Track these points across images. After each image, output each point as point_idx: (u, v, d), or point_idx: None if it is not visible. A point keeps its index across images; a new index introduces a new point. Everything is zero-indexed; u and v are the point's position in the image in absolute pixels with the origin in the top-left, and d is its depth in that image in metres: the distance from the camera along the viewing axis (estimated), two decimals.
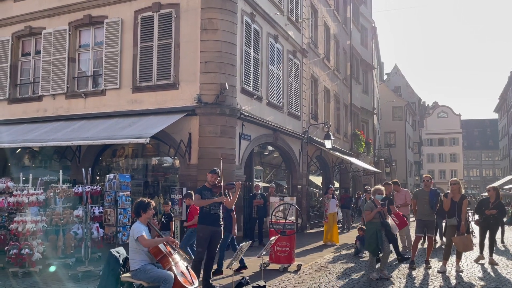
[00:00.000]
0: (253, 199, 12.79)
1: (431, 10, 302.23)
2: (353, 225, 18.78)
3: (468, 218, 9.59)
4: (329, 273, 8.74)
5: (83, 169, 9.65)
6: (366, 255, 10.31)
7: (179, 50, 12.47)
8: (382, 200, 8.15)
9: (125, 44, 13.20)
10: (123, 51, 13.22)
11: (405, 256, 10.00)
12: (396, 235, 9.36)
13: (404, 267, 9.23)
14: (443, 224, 10.56)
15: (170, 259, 5.67)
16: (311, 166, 19.19)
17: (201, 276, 6.89)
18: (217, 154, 11.47)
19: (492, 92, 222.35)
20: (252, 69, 13.73)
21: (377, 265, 8.35)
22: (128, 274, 5.61)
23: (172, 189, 11.92)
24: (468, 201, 9.24)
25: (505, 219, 14.12)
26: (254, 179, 14.84)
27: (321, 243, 13.39)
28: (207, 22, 12.24)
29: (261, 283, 7.16)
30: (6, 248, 8.58)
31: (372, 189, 8.81)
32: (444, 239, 10.87)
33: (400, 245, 10.76)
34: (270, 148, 16.67)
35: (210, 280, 7.07)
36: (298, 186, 17.26)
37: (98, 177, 14.27)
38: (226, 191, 7.21)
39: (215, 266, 7.92)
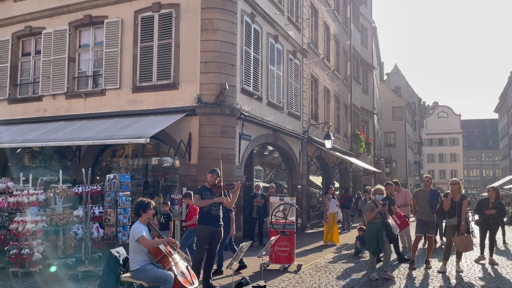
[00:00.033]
0: (253, 199, 12.80)
1: (431, 10, 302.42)
2: (353, 225, 18.78)
3: (468, 218, 9.60)
4: (329, 273, 8.74)
5: (83, 169, 9.65)
6: (366, 255, 10.31)
7: (179, 50, 12.47)
8: (382, 200, 8.15)
9: (125, 44, 13.21)
10: (123, 51, 13.22)
11: (405, 257, 9.98)
12: (397, 235, 9.37)
13: (404, 267, 9.22)
14: (443, 224, 10.57)
15: (170, 259, 5.67)
16: (311, 166, 19.19)
17: (201, 276, 6.89)
18: (217, 154, 11.49)
19: (492, 92, 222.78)
20: (252, 69, 13.73)
21: (378, 265, 8.35)
22: (128, 274, 5.61)
23: (172, 189, 11.92)
24: (468, 201, 9.24)
25: (505, 219, 14.11)
26: (254, 179, 14.84)
27: (321, 243, 13.39)
28: (207, 22, 12.24)
29: (261, 283, 7.16)
30: (6, 248, 8.58)
31: (373, 189, 8.80)
32: (444, 239, 10.87)
33: (400, 245, 10.75)
34: (270, 148, 16.66)
35: (210, 280, 7.08)
36: (298, 186, 17.26)
37: (98, 177, 14.28)
38: (226, 191, 7.21)
39: (215, 266, 7.93)
